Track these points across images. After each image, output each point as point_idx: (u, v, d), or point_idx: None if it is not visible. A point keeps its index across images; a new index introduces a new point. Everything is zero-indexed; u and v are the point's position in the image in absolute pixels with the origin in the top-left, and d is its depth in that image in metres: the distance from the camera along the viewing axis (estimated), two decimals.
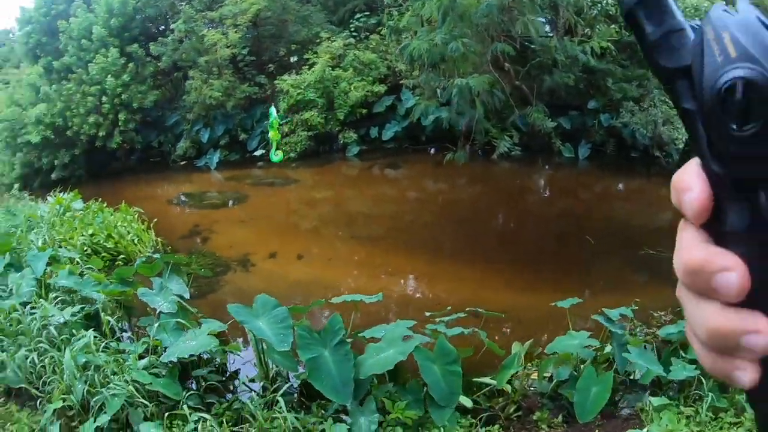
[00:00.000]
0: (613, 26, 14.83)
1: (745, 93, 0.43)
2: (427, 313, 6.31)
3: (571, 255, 10.10)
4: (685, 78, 0.49)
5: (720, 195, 0.48)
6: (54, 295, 7.04)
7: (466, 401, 5.18)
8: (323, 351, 4.90)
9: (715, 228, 0.49)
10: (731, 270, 0.45)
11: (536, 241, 10.97)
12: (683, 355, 5.38)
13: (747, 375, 0.46)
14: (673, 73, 0.50)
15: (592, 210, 12.38)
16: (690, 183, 0.49)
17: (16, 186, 19.56)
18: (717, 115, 0.45)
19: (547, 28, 16.74)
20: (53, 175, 20.28)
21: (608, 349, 5.69)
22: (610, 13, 14.52)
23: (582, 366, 5.57)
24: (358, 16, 19.67)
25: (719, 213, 0.48)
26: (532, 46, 14.77)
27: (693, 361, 5.15)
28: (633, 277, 8.84)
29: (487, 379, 5.53)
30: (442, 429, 4.76)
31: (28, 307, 6.66)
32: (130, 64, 19.46)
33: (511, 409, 5.38)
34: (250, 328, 5.10)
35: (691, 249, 0.49)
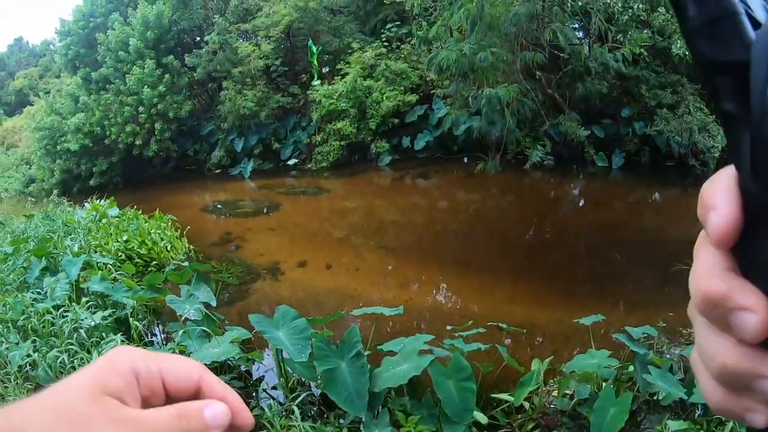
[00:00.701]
0: (645, 32, 14.69)
1: None
2: (448, 327, 6.33)
3: (602, 269, 10.03)
4: (733, 74, 0.39)
5: (753, 218, 0.40)
6: (86, 299, 7.25)
7: (481, 417, 5.17)
8: (340, 363, 4.98)
9: (742, 254, 0.41)
10: (753, 311, 0.39)
11: (566, 254, 10.91)
12: None
13: (760, 417, 0.42)
14: (717, 67, 0.40)
15: (626, 221, 12.26)
16: (717, 200, 0.42)
17: (55, 192, 20.05)
18: None
19: (580, 34, 16.67)
20: (91, 182, 20.83)
21: (632, 368, 5.61)
22: (642, 18, 14.42)
23: (603, 385, 5.51)
24: (389, 26, 19.85)
25: (749, 238, 0.40)
26: (563, 54, 14.71)
27: None
28: (665, 293, 8.71)
29: (505, 396, 5.52)
30: None
31: (61, 310, 6.87)
32: (166, 75, 19.91)
33: (530, 426, 5.34)
34: (270, 338, 5.20)
35: (711, 276, 0.42)
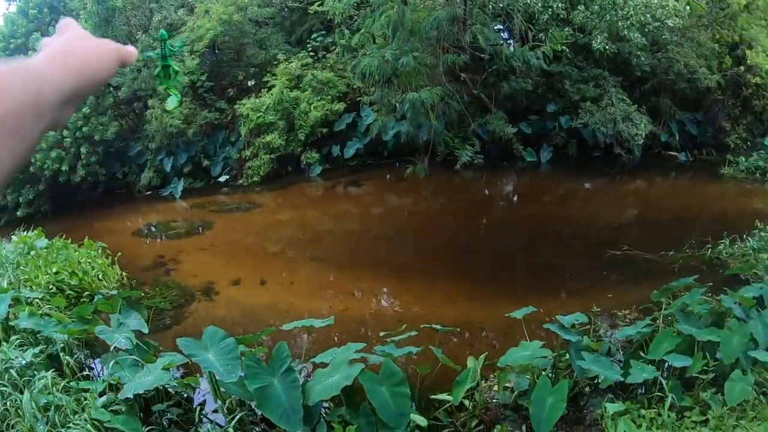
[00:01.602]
0: (566, 29, 15.07)
1: None
2: (382, 333, 6.40)
3: (536, 261, 10.26)
4: None
5: None
6: (16, 336, 7.05)
7: (420, 420, 5.21)
8: (272, 380, 4.99)
9: None
10: None
11: (500, 250, 11.12)
12: (643, 355, 5.38)
13: None
14: None
15: (557, 213, 12.57)
16: None
17: None
18: None
19: (505, 35, 17.02)
20: (18, 213, 20.23)
21: (568, 356, 5.66)
22: (562, 16, 14.80)
23: (542, 373, 5.57)
24: (314, 35, 19.79)
25: None
26: (483, 56, 14.99)
27: (652, 362, 5.18)
28: (601, 278, 8.95)
29: (444, 396, 5.59)
30: None
31: None
32: (90, 96, 19.42)
33: (473, 424, 5.41)
34: (199, 361, 5.19)
35: None
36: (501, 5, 14.60)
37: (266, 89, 18.36)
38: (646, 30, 13.76)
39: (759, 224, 9.67)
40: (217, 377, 5.15)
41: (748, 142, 17.55)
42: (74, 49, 0.91)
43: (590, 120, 15.47)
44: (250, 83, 19.54)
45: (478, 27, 14.26)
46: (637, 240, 9.88)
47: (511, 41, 16.66)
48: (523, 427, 5.39)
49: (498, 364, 5.58)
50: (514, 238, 11.75)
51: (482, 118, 16.05)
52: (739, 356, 5.04)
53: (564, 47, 15.08)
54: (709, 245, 9.41)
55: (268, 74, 18.82)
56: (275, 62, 19.13)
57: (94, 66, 0.93)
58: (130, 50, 1.03)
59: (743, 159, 15.41)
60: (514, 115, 16.45)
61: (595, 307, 6.50)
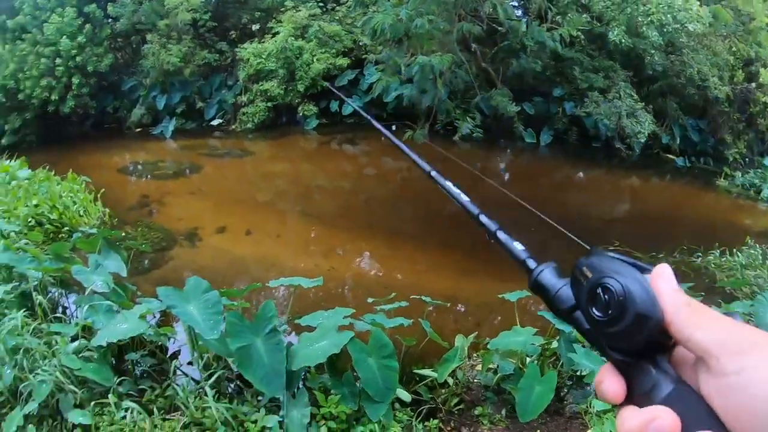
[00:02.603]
0: (584, 15, 14.72)
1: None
2: (370, 300, 6.16)
3: (526, 242, 10.01)
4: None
5: (625, 371, 0.67)
6: None
7: (405, 395, 5.05)
8: (255, 339, 4.73)
9: (633, 394, 0.66)
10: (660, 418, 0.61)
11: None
12: None
13: None
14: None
15: (550, 197, 12.30)
16: (602, 375, 0.69)
17: None
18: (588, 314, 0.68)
19: (519, 12, 16.60)
20: (3, 141, 19.67)
21: (555, 344, 5.54)
22: (583, 2, 14.41)
23: (527, 361, 5.47)
24: None
25: (631, 383, 0.66)
26: (500, 29, 14.59)
27: None
28: None
29: (428, 371, 5.41)
30: (377, 425, 4.65)
31: None
32: (87, 25, 18.82)
33: (453, 402, 5.27)
34: (179, 314, 4.90)
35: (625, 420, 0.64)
36: None
37: (270, 35, 17.89)
38: (665, 30, 13.45)
39: (750, 241, 9.79)
40: (197, 332, 4.88)
41: (747, 159, 17.64)
42: None
43: (594, 110, 15.19)
44: (254, 27, 19.01)
45: None
46: (627, 236, 9.70)
47: (525, 19, 16.19)
48: (503, 411, 5.26)
49: (489, 347, 5.35)
50: (505, 217, 11.41)
51: (487, 92, 15.68)
52: None
53: (579, 33, 14.71)
54: (699, 254, 9.45)
55: (273, 20, 18.31)
56: (282, 9, 18.59)
57: None
58: None
59: (740, 174, 15.62)
60: (519, 94, 16.10)
61: None
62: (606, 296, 0.65)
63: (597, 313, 0.66)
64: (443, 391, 5.40)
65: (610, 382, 0.66)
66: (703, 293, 6.86)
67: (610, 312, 0.64)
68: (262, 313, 4.85)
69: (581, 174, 15.34)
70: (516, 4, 16.76)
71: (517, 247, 0.94)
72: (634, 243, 9.19)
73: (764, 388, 0.56)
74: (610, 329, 0.64)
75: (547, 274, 0.81)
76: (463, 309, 7.29)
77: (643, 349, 0.65)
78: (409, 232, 10.31)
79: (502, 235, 0.99)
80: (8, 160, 12.94)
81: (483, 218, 1.07)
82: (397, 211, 11.50)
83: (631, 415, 0.63)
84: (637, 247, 9.07)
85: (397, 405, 5.04)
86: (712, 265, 9.20)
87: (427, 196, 11.87)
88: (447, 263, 8.79)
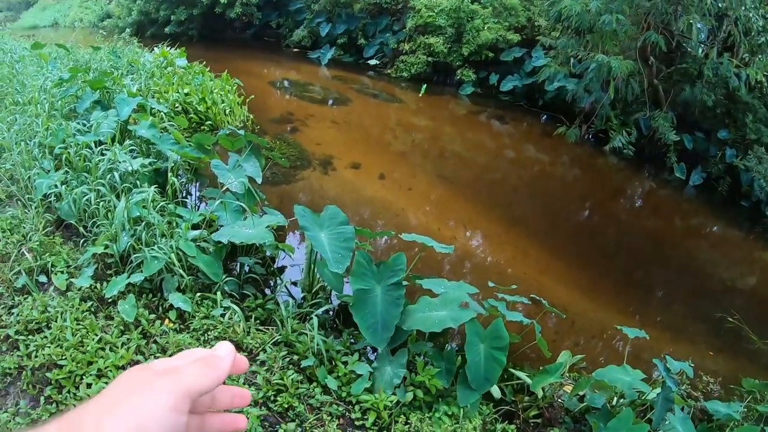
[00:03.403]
0: None
1: None
2: (491, 284, 5.83)
3: (643, 277, 9.37)
4: None
5: None
6: (130, 142, 6.83)
7: (496, 392, 4.79)
8: (376, 286, 4.52)
9: None
10: None
11: (612, 248, 10.25)
12: None
13: None
14: None
15: (680, 241, 11.45)
16: None
17: (128, 30, 19.80)
18: None
19: (702, 36, 15.45)
20: (167, 29, 20.41)
21: (651, 395, 5.06)
22: None
23: (620, 401, 5.09)
24: None
25: None
26: (690, 50, 13.58)
27: None
28: (697, 329, 8.01)
29: (522, 375, 5.06)
30: (461, 410, 4.36)
31: (102, 147, 6.48)
32: None
33: (532, 413, 4.94)
34: (311, 237, 4.72)
35: None
36: (721, 5, 13.04)
37: None
38: None
39: None
40: (322, 259, 4.69)
41: None
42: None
43: (755, 167, 13.88)
44: None
45: (695, 17, 12.82)
46: (745, 312, 8.76)
47: (710, 46, 14.99)
48: None
49: (594, 375, 4.91)
50: (627, 243, 10.77)
51: (651, 111, 14.75)
52: None
53: (764, 78, 13.49)
54: None
55: None
56: None
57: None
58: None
59: None
60: (680, 122, 15.02)
61: (690, 361, 5.67)
62: None
63: None
64: (527, 398, 5.05)
65: None
66: None
67: None
68: (391, 263, 4.63)
69: (716, 228, 14.22)
70: (700, 26, 15.56)
71: None
72: (754, 325, 8.28)
73: None
74: None
75: None
76: (572, 324, 6.83)
77: None
78: (531, 225, 9.81)
79: None
80: (169, 48, 13.22)
81: None
82: (526, 202, 11.01)
83: None
84: (758, 330, 8.19)
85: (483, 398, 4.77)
86: None
87: (558, 198, 11.35)
88: (561, 269, 8.26)
